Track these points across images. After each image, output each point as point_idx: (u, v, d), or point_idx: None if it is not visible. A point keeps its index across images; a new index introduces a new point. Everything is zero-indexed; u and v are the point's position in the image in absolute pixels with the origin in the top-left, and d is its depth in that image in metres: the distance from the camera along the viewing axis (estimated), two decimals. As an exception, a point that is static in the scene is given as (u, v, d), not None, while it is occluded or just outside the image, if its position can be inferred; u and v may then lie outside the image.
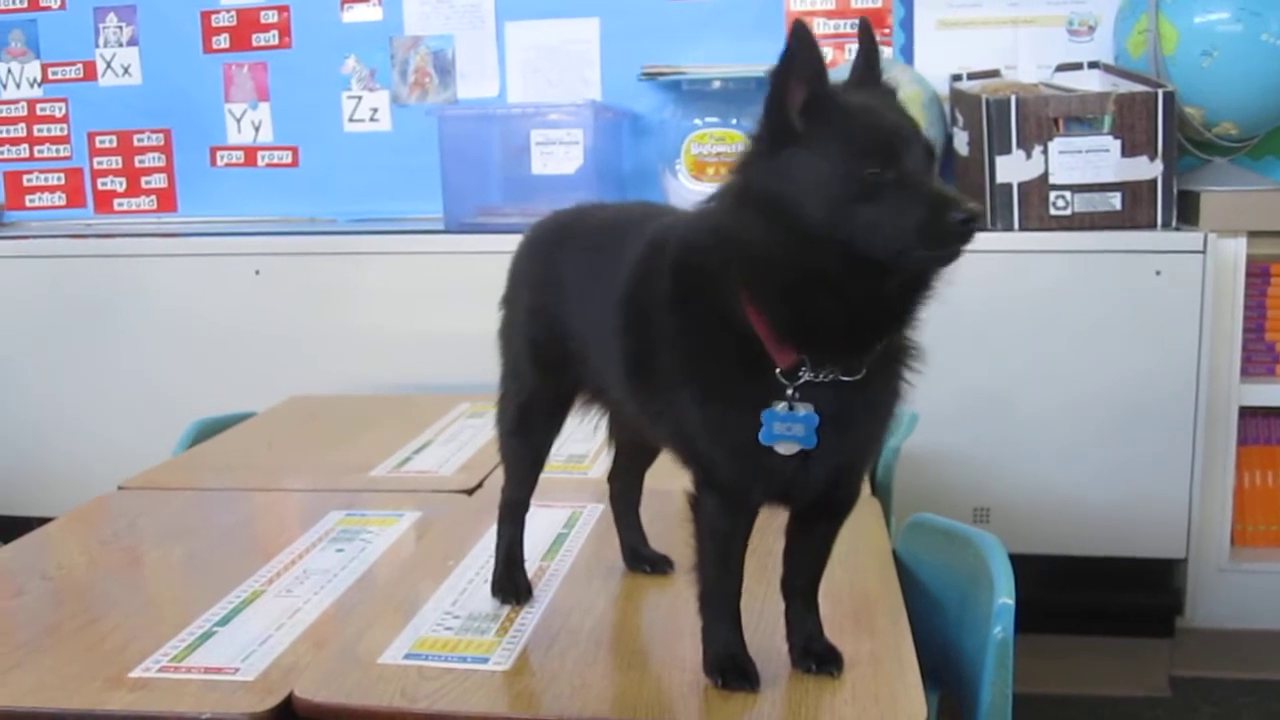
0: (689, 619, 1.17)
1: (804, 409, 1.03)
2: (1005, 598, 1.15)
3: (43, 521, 1.67)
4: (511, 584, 1.34)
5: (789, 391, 1.03)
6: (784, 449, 1.04)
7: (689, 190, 2.66)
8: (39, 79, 3.14)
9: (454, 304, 2.53)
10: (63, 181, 3.18)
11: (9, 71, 3.15)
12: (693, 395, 1.08)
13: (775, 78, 0.99)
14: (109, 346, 2.76)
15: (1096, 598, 2.67)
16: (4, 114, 3.18)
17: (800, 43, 0.98)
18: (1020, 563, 1.22)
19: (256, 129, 3.07)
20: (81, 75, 3.12)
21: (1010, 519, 2.54)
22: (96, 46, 3.10)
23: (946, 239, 0.94)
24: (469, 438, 2.06)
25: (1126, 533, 2.57)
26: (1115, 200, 2.45)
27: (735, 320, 1.03)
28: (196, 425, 2.14)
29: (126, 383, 2.75)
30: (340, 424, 2.28)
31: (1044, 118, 2.44)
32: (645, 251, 1.15)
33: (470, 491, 1.77)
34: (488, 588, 1.35)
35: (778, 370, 1.03)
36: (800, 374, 1.02)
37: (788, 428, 1.03)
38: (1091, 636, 2.64)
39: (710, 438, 1.08)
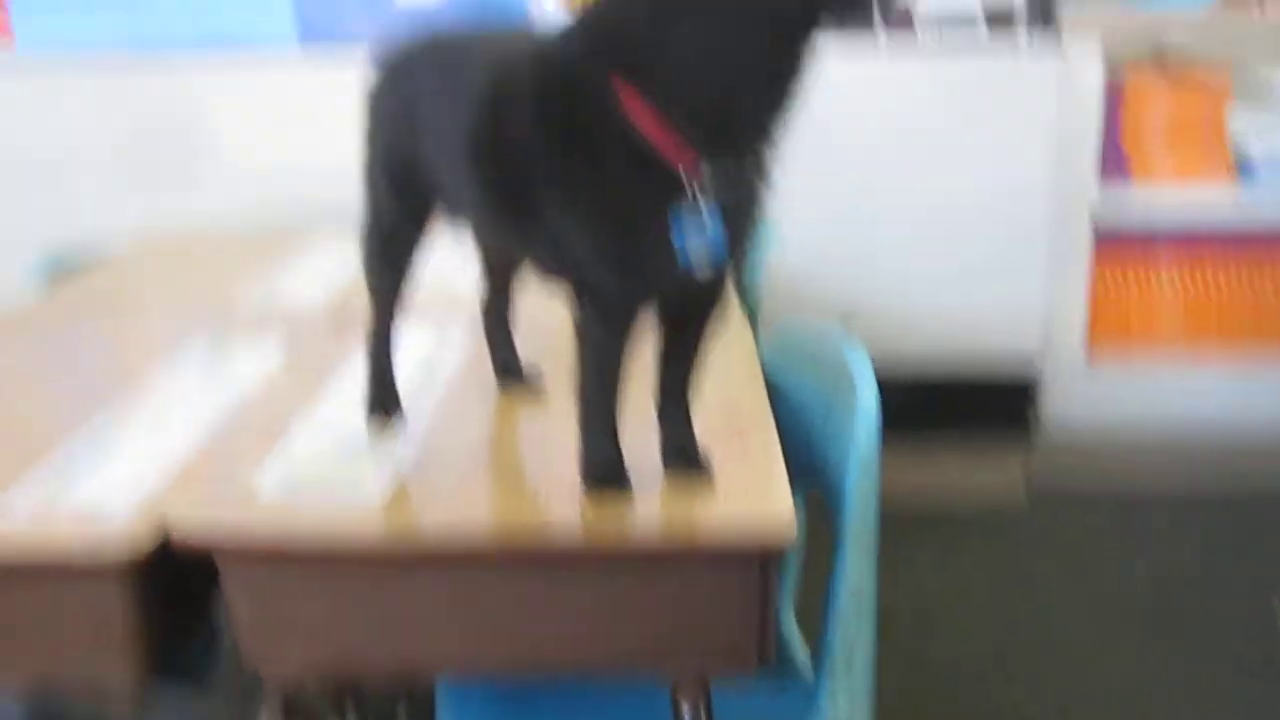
0: (563, 432, 1.18)
1: (709, 206, 1.03)
2: (869, 403, 1.19)
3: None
4: (384, 409, 1.33)
5: (695, 192, 1.02)
6: (694, 251, 1.04)
7: (551, 14, 2.59)
8: None
9: (313, 128, 2.46)
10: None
11: None
12: (579, 215, 1.06)
13: None
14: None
15: (956, 408, 2.77)
16: None
17: None
18: (882, 369, 1.25)
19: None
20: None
21: (873, 332, 2.60)
22: None
23: None
24: (335, 263, 2.02)
25: (986, 343, 2.67)
26: (977, 10, 2.46)
27: (621, 128, 1.01)
28: (50, 260, 2.06)
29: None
30: (203, 254, 2.22)
31: (907, -70, 2.43)
32: (499, 75, 1.12)
33: (337, 317, 1.75)
34: (361, 414, 1.34)
35: (680, 169, 1.02)
36: (701, 172, 1.02)
37: (696, 229, 1.03)
38: (950, 447, 2.75)
39: (601, 254, 1.06)
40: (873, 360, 1.25)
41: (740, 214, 1.06)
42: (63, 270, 2.07)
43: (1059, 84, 2.50)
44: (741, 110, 1.01)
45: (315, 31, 2.62)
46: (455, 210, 1.27)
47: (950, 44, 2.48)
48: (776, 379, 1.45)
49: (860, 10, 1.00)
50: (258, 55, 2.61)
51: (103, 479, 1.21)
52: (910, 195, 2.56)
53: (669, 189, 1.02)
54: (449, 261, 1.42)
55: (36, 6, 2.90)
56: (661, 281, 1.06)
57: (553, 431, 1.27)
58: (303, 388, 1.46)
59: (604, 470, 1.12)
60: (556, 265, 1.13)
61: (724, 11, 0.97)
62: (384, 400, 1.33)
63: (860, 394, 1.19)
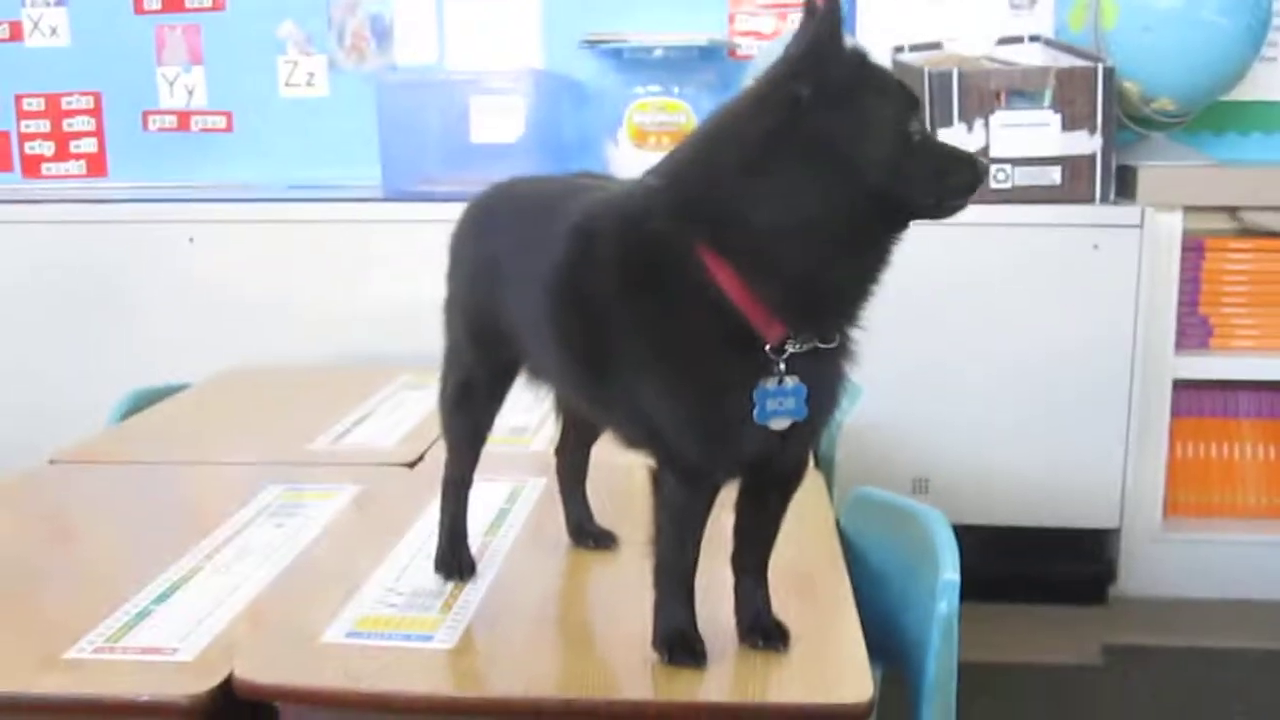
0: (634, 594, 1.16)
1: (793, 381, 1.02)
2: (950, 573, 1.16)
3: (-30, 496, 1.63)
4: (455, 560, 1.32)
5: (780, 365, 1.02)
6: (776, 424, 1.03)
7: (630, 159, 2.64)
8: (-37, 39, 3.06)
9: (392, 273, 2.52)
10: (-12, 145, 3.10)
11: (-69, 30, 3.06)
12: (663, 382, 1.05)
13: (824, 36, 0.97)
14: (37, 315, 2.70)
15: (1031, 566, 2.71)
16: (-74, 75, 3.09)
17: (834, 6, 0.98)
18: (956, 532, 1.23)
19: (190, 93, 3.00)
20: (8, 35, 3.03)
21: (948, 489, 2.57)
22: (23, 5, 3.01)
23: (974, 190, 1.03)
24: (410, 410, 2.04)
25: (1061, 502, 2.61)
26: (1055, 174, 2.47)
27: (707, 296, 1.01)
28: (130, 396, 2.09)
29: (56, 352, 2.69)
30: (278, 396, 2.25)
31: (985, 91, 2.45)
32: (575, 233, 1.11)
33: (412, 465, 1.75)
34: (430, 564, 1.33)
35: (767, 345, 1.01)
36: (786, 347, 1.02)
37: (779, 403, 1.03)
38: (1026, 604, 2.68)
39: (683, 422, 1.05)
40: (947, 517, 1.23)
41: (824, 387, 1.05)
42: (145, 404, 2.10)
43: (1138, 241, 2.49)
44: (831, 288, 1.01)
45: (400, 183, 2.69)
46: (534, 364, 1.27)
47: (1026, 198, 2.49)
48: (855, 542, 1.43)
49: (946, 213, 1.03)
50: (344, 204, 2.68)
51: (170, 619, 1.22)
52: (987, 355, 2.54)
53: (754, 360, 1.02)
54: (527, 409, 1.42)
55: (131, 149, 3.04)
56: (743, 452, 1.05)
57: (623, 589, 1.25)
58: (375, 533, 1.46)
59: (677, 640, 1.10)
60: (636, 430, 1.11)
61: (814, 192, 0.98)
62: (455, 558, 1.32)
63: (943, 565, 1.17)
